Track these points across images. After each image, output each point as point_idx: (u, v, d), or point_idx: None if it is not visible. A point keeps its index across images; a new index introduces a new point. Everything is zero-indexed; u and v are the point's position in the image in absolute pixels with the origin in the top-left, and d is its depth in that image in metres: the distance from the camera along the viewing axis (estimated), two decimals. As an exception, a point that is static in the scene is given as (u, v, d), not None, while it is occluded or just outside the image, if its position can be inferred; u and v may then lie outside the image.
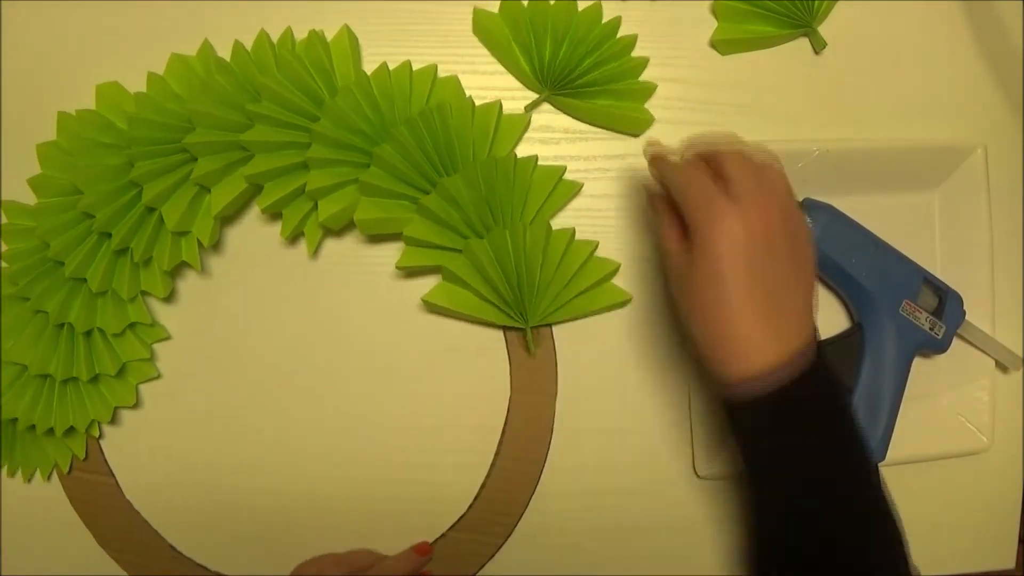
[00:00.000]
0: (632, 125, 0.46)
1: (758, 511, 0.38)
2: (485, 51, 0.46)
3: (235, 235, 0.46)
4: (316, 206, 0.43)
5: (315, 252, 0.45)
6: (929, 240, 0.48)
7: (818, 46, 0.47)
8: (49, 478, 0.46)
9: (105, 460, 0.46)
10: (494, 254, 0.42)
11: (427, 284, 0.45)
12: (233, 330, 0.46)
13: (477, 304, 0.44)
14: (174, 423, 0.46)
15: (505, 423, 0.46)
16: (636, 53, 0.46)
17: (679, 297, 0.37)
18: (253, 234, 0.46)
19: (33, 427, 0.44)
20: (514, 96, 0.45)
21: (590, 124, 0.46)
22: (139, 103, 0.43)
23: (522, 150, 0.45)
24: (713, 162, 0.36)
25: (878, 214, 0.46)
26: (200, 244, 0.43)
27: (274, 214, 0.44)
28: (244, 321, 0.46)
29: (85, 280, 0.43)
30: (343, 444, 0.46)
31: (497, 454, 0.47)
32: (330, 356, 0.46)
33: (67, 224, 0.43)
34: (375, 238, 0.45)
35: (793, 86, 0.47)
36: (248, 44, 0.44)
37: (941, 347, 0.46)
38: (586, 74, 0.44)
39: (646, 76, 0.46)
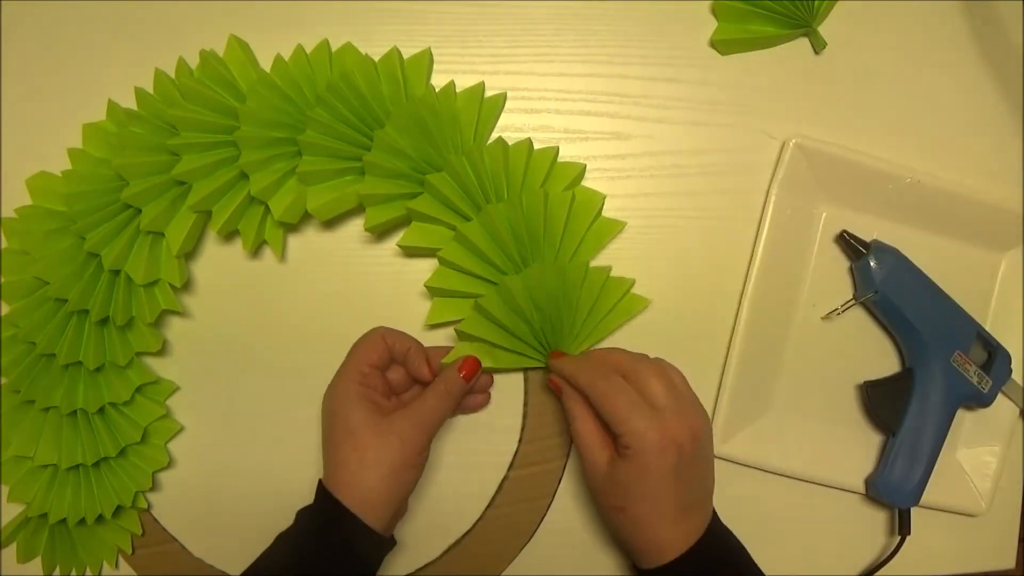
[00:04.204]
0: None
1: None
2: (485, 51, 0.46)
3: (203, 265, 0.46)
4: (268, 209, 0.43)
5: (283, 255, 0.46)
6: (986, 298, 0.49)
7: (818, 46, 0.47)
8: (117, 565, 0.46)
9: (163, 527, 0.46)
10: (529, 290, 0.42)
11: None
12: (239, 362, 0.46)
13: (509, 340, 0.43)
14: (212, 469, 0.46)
15: (523, 424, 0.47)
16: (635, 51, 0.47)
17: (599, 495, 0.39)
18: (220, 259, 0.46)
19: (83, 520, 0.44)
20: (513, 96, 0.46)
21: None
22: (68, 181, 0.44)
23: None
24: (632, 375, 0.38)
25: (945, 259, 0.47)
26: (174, 287, 0.44)
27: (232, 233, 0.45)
28: (247, 350, 0.46)
29: (80, 363, 0.44)
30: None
31: (516, 453, 0.47)
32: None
33: (45, 317, 0.43)
34: (373, 238, 0.46)
35: (793, 86, 0.47)
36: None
37: (986, 401, 0.47)
38: None
39: (646, 74, 0.47)
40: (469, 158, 0.42)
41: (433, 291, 0.44)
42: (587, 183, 0.46)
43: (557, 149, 0.45)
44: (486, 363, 0.44)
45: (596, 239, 0.45)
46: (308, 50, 0.44)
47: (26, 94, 0.46)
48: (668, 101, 0.47)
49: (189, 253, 0.45)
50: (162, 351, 0.45)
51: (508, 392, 0.46)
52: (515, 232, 0.42)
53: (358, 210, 0.44)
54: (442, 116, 0.43)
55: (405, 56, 0.45)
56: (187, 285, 0.45)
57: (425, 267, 0.45)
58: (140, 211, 0.43)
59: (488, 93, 0.45)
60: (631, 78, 0.47)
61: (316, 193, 0.43)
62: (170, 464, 0.46)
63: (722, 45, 0.47)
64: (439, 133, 0.43)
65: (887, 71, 0.48)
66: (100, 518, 0.44)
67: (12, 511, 0.45)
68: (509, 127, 0.46)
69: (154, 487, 0.46)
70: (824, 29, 0.47)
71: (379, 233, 0.45)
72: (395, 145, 0.42)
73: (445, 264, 0.43)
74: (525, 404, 0.46)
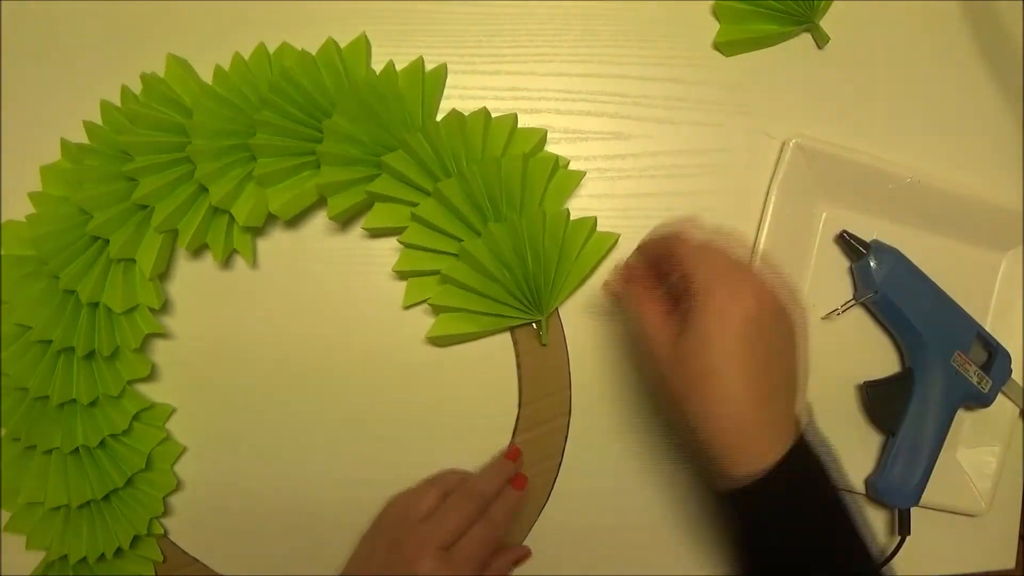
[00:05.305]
0: None
1: None
2: (485, 51, 0.46)
3: (178, 284, 0.47)
4: (232, 217, 0.43)
5: (254, 260, 0.46)
6: (985, 297, 0.50)
7: (821, 41, 0.47)
8: (144, 595, 0.46)
9: (183, 550, 0.46)
10: (494, 250, 0.42)
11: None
12: (230, 373, 0.46)
13: (486, 304, 0.43)
14: (221, 484, 0.46)
15: (519, 388, 0.46)
16: (635, 51, 0.47)
17: (668, 385, 0.35)
18: (194, 275, 0.46)
19: (103, 556, 0.44)
20: (513, 96, 0.46)
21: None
22: (33, 224, 0.44)
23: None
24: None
25: (945, 259, 0.48)
26: (153, 310, 0.44)
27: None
28: (235, 360, 0.46)
29: (74, 400, 0.44)
30: (378, 451, 0.46)
31: (517, 418, 0.46)
32: (340, 364, 0.46)
33: (33, 361, 0.43)
34: (339, 226, 0.46)
35: (793, 86, 0.47)
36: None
37: (985, 401, 0.47)
38: None
39: (646, 75, 0.47)
40: (425, 133, 0.42)
41: (403, 274, 0.44)
42: (587, 183, 0.46)
43: (515, 116, 0.45)
44: (469, 329, 0.44)
45: (557, 193, 0.45)
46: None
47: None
48: (668, 101, 0.47)
49: (162, 274, 0.45)
50: (152, 375, 0.45)
51: (499, 359, 0.46)
52: (473, 202, 0.42)
53: (321, 203, 0.44)
54: (387, 97, 0.43)
55: (411, 58, 0.45)
56: (165, 306, 0.46)
57: (397, 246, 0.45)
58: (108, 241, 0.43)
59: (486, 93, 0.46)
60: (631, 78, 0.47)
61: (276, 193, 0.43)
62: (179, 486, 0.46)
63: (726, 47, 0.47)
64: (386, 114, 0.43)
65: (887, 71, 0.48)
66: (119, 551, 0.45)
67: (12, 543, 0.45)
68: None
69: (167, 511, 0.46)
70: (826, 25, 0.47)
71: (344, 220, 0.45)
72: (345, 132, 0.42)
73: (408, 246, 0.43)
74: (518, 367, 0.46)
